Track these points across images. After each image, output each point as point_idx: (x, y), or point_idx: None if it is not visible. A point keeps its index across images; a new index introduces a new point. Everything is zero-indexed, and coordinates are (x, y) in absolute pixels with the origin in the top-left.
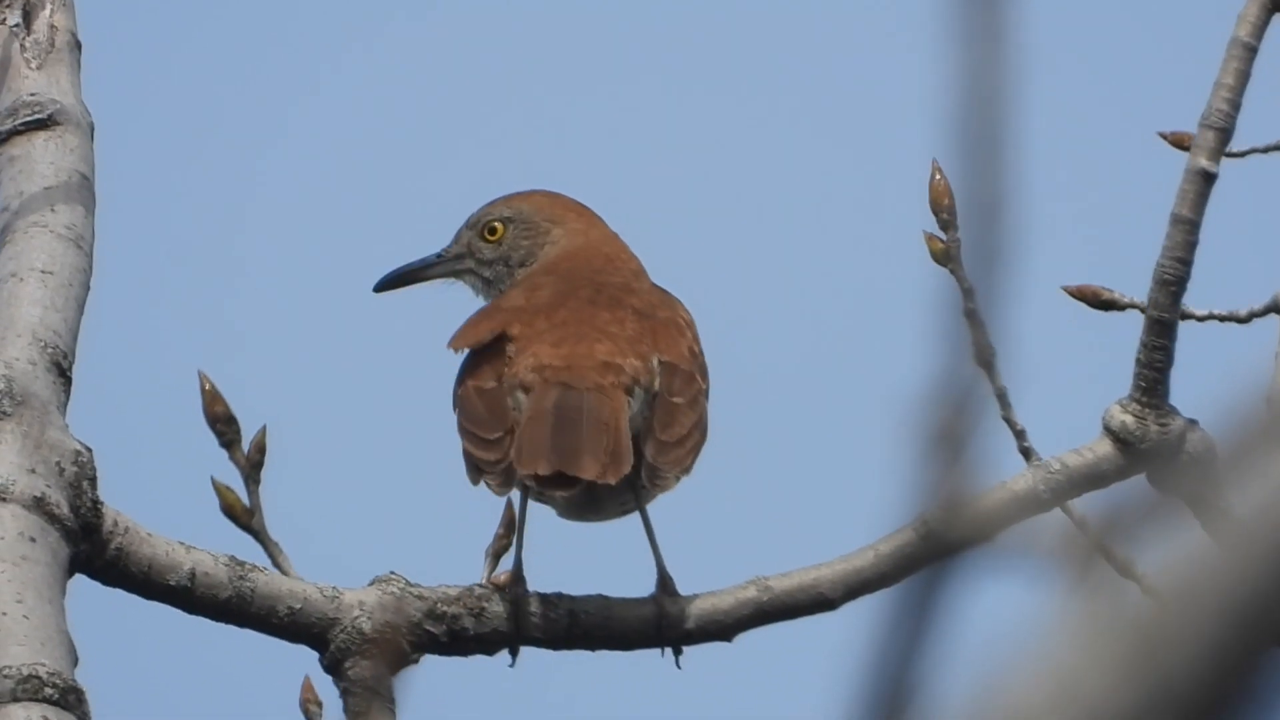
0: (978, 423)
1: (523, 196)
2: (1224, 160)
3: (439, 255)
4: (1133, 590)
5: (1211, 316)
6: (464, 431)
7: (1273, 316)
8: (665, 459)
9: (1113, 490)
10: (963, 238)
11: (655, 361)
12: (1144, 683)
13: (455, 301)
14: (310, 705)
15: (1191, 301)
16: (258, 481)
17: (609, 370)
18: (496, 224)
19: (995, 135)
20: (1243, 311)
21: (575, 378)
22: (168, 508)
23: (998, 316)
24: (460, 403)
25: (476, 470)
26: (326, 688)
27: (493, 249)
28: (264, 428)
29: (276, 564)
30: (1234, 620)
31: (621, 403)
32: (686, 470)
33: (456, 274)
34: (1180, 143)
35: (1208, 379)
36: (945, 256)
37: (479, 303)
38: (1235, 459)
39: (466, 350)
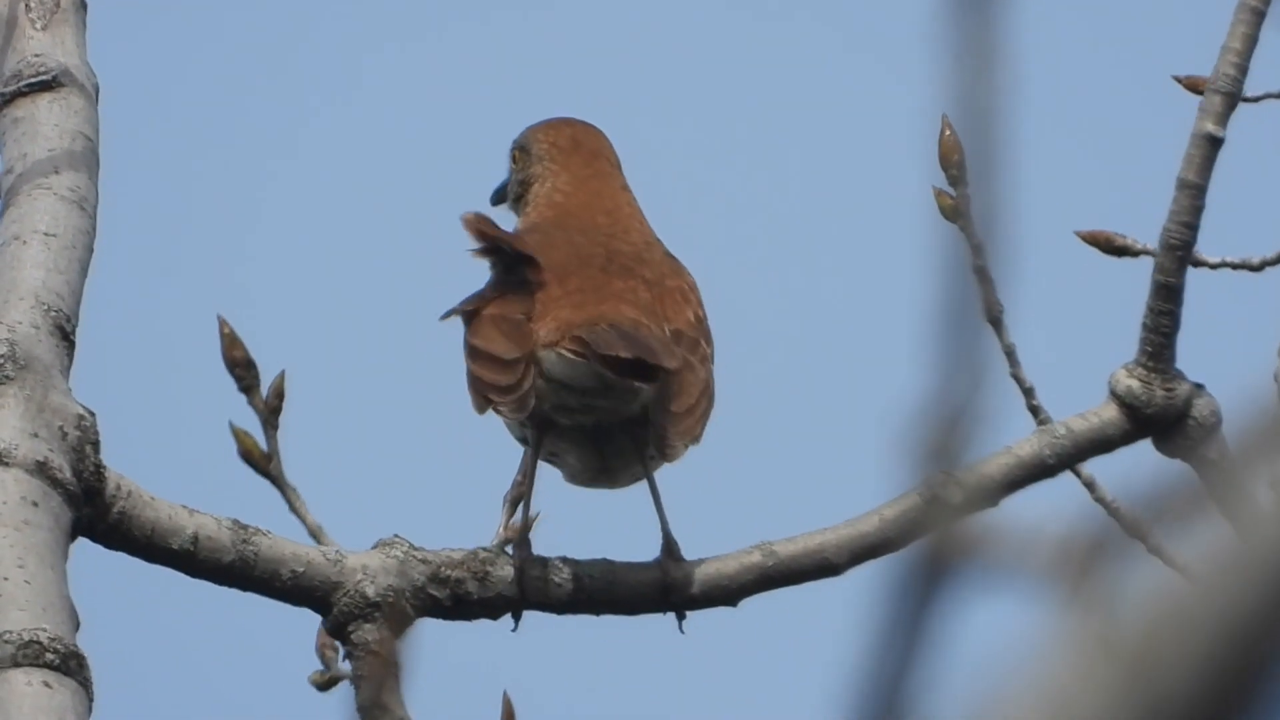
0: (970, 439)
1: (536, 128)
2: (1240, 105)
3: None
4: (1125, 608)
5: (1224, 264)
6: (474, 353)
7: None
8: (676, 429)
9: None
10: (972, 194)
11: (666, 330)
12: (1136, 703)
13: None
14: (326, 650)
15: (1204, 248)
16: (276, 427)
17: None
18: (515, 151)
19: (996, 91)
20: (1255, 259)
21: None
22: (170, 471)
23: (1006, 273)
24: (474, 327)
25: (484, 398)
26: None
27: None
28: (283, 373)
29: (294, 509)
30: (1228, 641)
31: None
32: (696, 440)
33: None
34: (1195, 86)
35: (1218, 336)
36: (955, 212)
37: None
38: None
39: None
